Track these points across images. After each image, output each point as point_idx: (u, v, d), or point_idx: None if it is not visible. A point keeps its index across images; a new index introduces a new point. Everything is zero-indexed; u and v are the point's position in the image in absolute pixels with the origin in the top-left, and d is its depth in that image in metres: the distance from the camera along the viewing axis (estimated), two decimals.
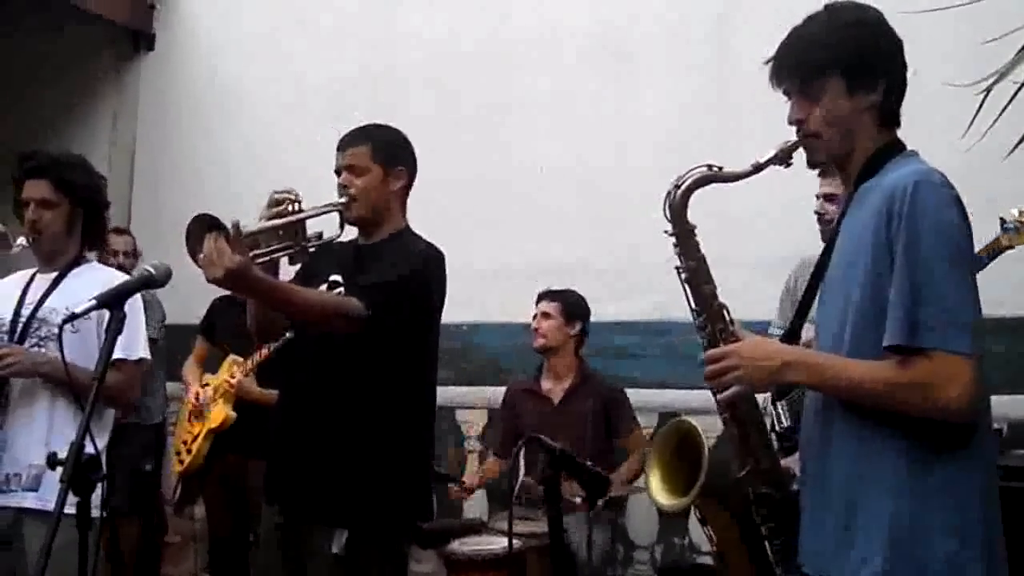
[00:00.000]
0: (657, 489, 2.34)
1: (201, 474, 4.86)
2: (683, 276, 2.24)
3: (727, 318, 2.20)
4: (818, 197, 3.65)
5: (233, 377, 4.69)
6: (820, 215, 3.64)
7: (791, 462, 2.30)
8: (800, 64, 2.10)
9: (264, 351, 4.54)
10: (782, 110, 2.20)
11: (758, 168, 2.16)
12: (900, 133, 2.13)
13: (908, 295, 1.87)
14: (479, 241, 5.48)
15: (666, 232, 2.24)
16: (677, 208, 2.22)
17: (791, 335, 2.24)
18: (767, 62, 2.16)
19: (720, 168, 2.20)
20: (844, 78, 2.06)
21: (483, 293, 5.41)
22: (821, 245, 2.32)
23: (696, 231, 2.24)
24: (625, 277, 5.13)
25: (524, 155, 5.63)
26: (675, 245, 2.24)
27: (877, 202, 1.97)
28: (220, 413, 4.70)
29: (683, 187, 2.22)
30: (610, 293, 5.07)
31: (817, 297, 2.19)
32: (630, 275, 5.10)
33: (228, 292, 4.56)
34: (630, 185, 5.09)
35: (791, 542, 2.13)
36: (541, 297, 4.74)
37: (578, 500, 3.94)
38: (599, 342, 4.95)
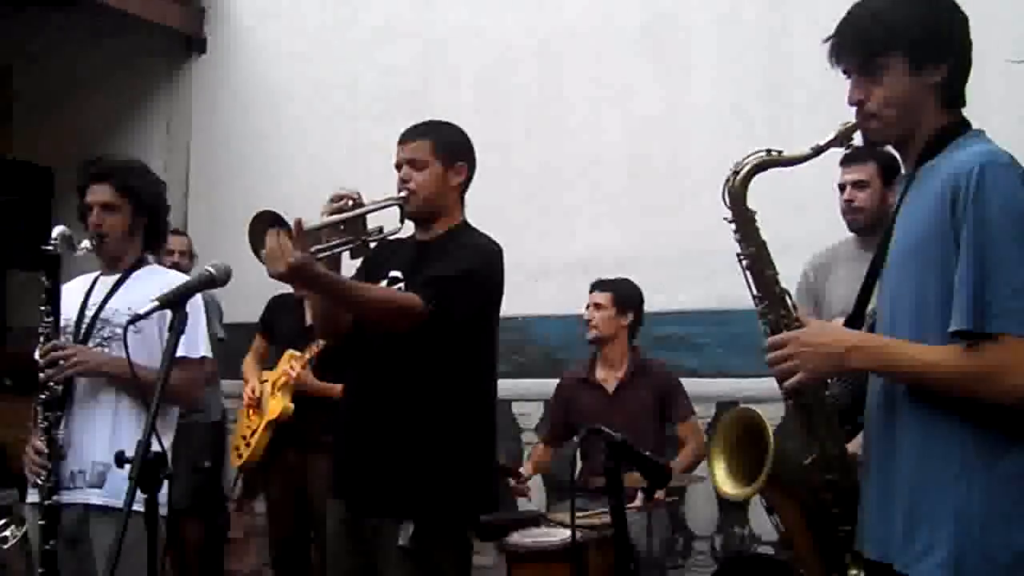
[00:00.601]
0: (723, 479, 2.31)
1: (262, 469, 4.90)
2: (744, 262, 2.19)
3: (790, 304, 2.16)
4: (842, 187, 3.60)
5: (292, 370, 4.73)
6: (849, 202, 3.59)
7: (854, 446, 2.27)
8: (862, 41, 2.03)
9: (322, 342, 4.55)
10: (837, 95, 2.16)
11: (818, 151, 2.12)
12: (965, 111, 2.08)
13: (975, 279, 1.83)
14: (534, 233, 5.48)
15: (726, 219, 2.20)
16: (737, 194, 2.18)
17: (856, 319, 2.18)
18: (827, 40, 2.10)
19: (780, 152, 2.16)
20: (908, 56, 2.00)
21: (538, 285, 5.41)
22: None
23: (757, 216, 2.20)
24: (682, 266, 5.09)
25: (577, 146, 5.62)
26: (735, 231, 2.20)
27: (940, 185, 1.92)
28: (278, 405, 4.72)
29: (742, 173, 2.17)
30: (667, 282, 5.04)
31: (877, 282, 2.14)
32: (687, 264, 5.06)
33: (286, 289, 4.66)
34: (686, 173, 5.06)
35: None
36: (593, 287, 4.73)
37: (638, 499, 3.94)
38: (656, 331, 4.93)
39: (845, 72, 2.08)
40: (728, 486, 2.28)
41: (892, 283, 2.05)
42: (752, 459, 2.20)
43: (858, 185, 3.57)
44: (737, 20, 5.33)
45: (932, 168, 2.01)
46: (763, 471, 2.14)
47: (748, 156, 2.19)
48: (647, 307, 4.76)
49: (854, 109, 2.09)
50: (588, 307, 4.70)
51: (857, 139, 2.13)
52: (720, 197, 2.21)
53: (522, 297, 5.27)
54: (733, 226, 2.21)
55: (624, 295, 4.68)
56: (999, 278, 1.82)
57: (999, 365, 1.82)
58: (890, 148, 2.19)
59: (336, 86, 6.48)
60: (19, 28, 7.55)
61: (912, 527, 1.91)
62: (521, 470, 4.76)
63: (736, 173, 2.19)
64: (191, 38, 7.07)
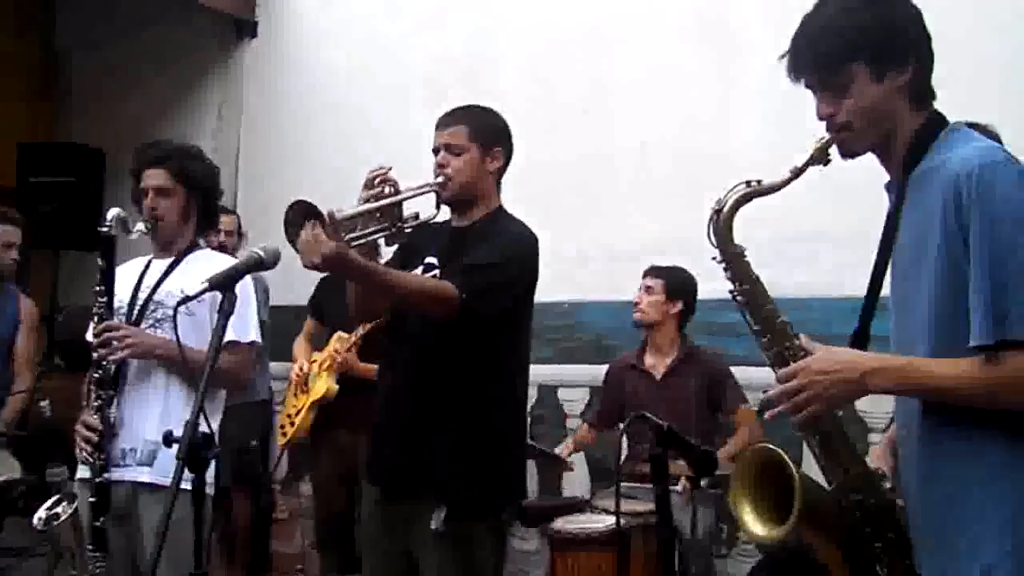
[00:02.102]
0: (751, 521, 2.19)
1: (311, 449, 4.95)
2: (739, 300, 2.13)
3: (791, 334, 2.09)
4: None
5: (338, 353, 4.76)
6: None
7: (874, 459, 2.22)
8: (818, 57, 1.98)
9: (368, 325, 4.58)
10: None
11: (797, 173, 2.05)
12: (984, 100, 2.01)
13: (990, 289, 1.78)
14: (582, 220, 5.46)
15: (714, 259, 2.15)
16: (722, 232, 2.12)
17: (862, 335, 2.09)
18: (780, 58, 2.05)
19: (759, 182, 2.09)
20: (870, 64, 1.94)
21: (586, 271, 5.39)
22: None
23: (746, 253, 2.14)
24: None
25: (626, 133, 5.58)
26: (725, 270, 2.14)
27: (940, 190, 1.86)
28: (323, 385, 4.76)
29: (725, 209, 2.11)
30: (713, 270, 4.97)
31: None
32: None
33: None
34: (735, 161, 4.99)
35: (896, 541, 2.05)
36: (647, 272, 4.72)
37: (680, 487, 3.91)
38: (704, 318, 4.90)
39: (807, 86, 2.03)
40: (758, 528, 2.17)
41: (900, 294, 2.00)
42: (777, 496, 2.12)
43: None
44: (788, 7, 5.25)
45: (924, 174, 1.96)
46: (794, 508, 2.05)
47: (729, 191, 2.12)
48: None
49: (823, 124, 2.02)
50: (639, 290, 4.69)
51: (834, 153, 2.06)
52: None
53: (570, 283, 5.28)
54: (723, 265, 2.15)
55: (676, 282, 4.66)
56: (1015, 283, 1.77)
57: (1021, 373, 1.78)
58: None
59: (385, 71, 6.50)
60: (76, 14, 7.67)
61: (968, 550, 1.86)
62: (557, 450, 4.75)
63: (719, 211, 2.12)
64: (243, 22, 7.14)
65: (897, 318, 2.02)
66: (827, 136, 2.03)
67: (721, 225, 2.13)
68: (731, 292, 2.15)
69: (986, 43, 4.28)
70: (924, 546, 1.99)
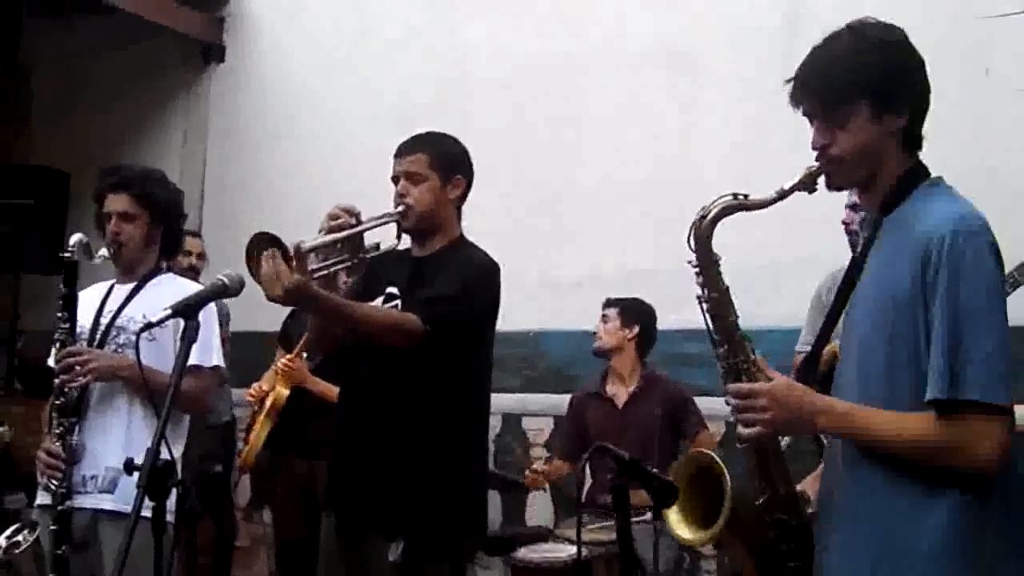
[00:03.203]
0: (676, 521, 2.31)
1: (268, 475, 4.90)
2: (705, 307, 2.20)
3: (749, 349, 2.16)
4: (847, 208, 3.61)
5: (287, 360, 4.62)
6: (847, 224, 3.61)
7: (803, 486, 2.32)
8: (824, 88, 2.05)
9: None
10: None
11: (783, 195, 2.11)
12: (972, 133, 2.09)
13: (949, 349, 1.85)
14: (545, 249, 5.49)
15: (689, 262, 2.20)
16: (703, 239, 2.18)
17: (812, 360, 2.21)
18: (787, 82, 2.11)
19: (746, 196, 2.15)
20: (871, 103, 2.01)
21: (549, 300, 5.42)
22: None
23: (720, 263, 2.20)
24: (695, 283, 5.07)
25: (592, 162, 5.63)
26: (698, 275, 2.20)
27: (911, 247, 1.94)
28: (273, 393, 4.64)
29: (709, 217, 2.17)
30: (679, 300, 4.98)
31: (841, 321, 2.16)
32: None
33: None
34: (701, 190, 5.01)
35: (806, 566, 2.13)
36: (605, 304, 4.81)
37: (647, 515, 3.93)
38: (668, 349, 4.93)
39: (806, 115, 2.09)
40: (682, 530, 2.28)
41: (861, 331, 2.06)
42: (705, 503, 2.22)
43: (855, 208, 3.58)
44: (753, 38, 5.34)
45: (898, 221, 2.04)
46: (721, 516, 2.14)
47: (715, 200, 2.18)
48: (659, 325, 4.77)
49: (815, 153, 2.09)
50: (599, 320, 4.78)
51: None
52: (723, 219, 2.19)
53: (533, 312, 5.29)
54: (696, 270, 2.20)
55: (630, 309, 4.75)
56: (971, 349, 1.85)
57: (970, 436, 1.85)
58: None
59: (354, 95, 6.51)
60: (39, 32, 7.62)
61: (875, 565, 1.95)
62: (535, 466, 4.73)
63: (703, 217, 2.17)
64: (210, 46, 7.12)
65: (852, 352, 2.08)
66: (817, 165, 2.10)
67: (702, 231, 2.18)
68: (698, 297, 2.20)
69: None
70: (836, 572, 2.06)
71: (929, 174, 2.08)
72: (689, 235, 2.19)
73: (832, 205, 3.04)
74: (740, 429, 2.05)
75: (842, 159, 2.05)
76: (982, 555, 1.89)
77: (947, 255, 1.88)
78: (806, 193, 2.11)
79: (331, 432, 3.15)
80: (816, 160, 2.09)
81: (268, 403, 4.66)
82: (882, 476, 1.95)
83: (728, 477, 2.18)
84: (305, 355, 4.64)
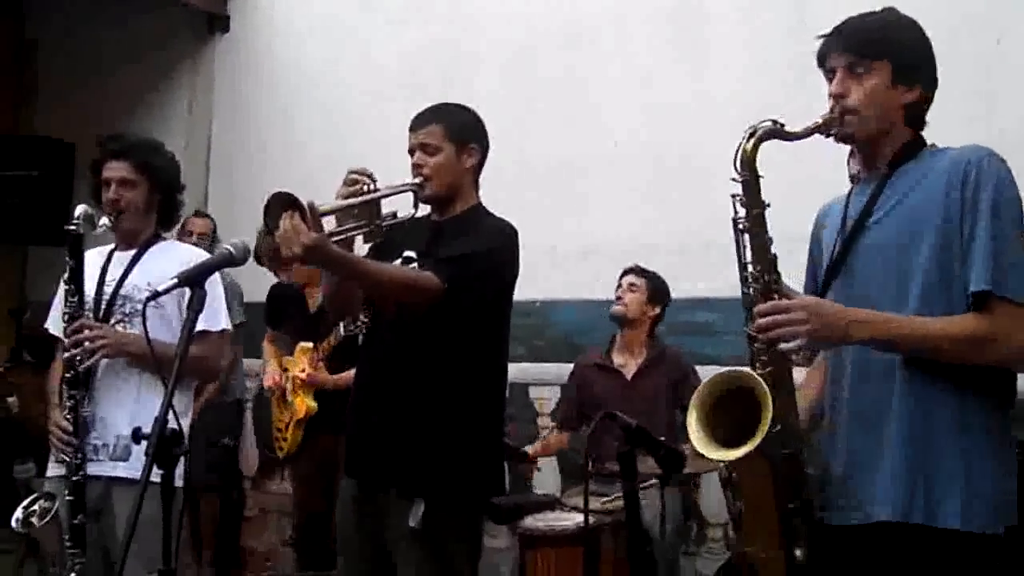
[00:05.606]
0: (699, 440, 2.22)
1: (295, 454, 4.98)
2: (742, 224, 2.27)
3: (778, 271, 2.25)
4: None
5: (303, 371, 4.82)
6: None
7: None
8: (859, 41, 2.23)
9: (331, 340, 4.68)
10: None
11: (809, 132, 2.26)
12: (987, 97, 2.21)
13: (995, 252, 2.05)
14: (554, 217, 5.46)
15: (733, 179, 2.27)
16: (748, 156, 2.26)
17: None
18: (829, 34, 2.28)
19: (783, 125, 2.28)
20: (892, 66, 2.21)
21: (557, 270, 5.40)
22: None
23: (762, 180, 2.27)
24: (705, 254, 5.05)
25: (599, 132, 5.59)
26: (740, 192, 2.27)
27: (939, 177, 2.14)
28: (302, 405, 4.84)
29: (755, 136, 2.26)
30: (686, 269, 5.02)
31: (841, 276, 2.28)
32: (710, 252, 5.00)
33: (281, 281, 4.99)
34: (707, 160, 5.02)
35: (808, 502, 2.22)
36: (630, 271, 4.77)
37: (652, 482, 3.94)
38: (679, 318, 4.93)
39: (829, 71, 2.27)
40: (707, 449, 2.21)
41: (875, 268, 2.21)
42: (732, 423, 2.19)
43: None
44: (762, 8, 5.29)
45: (912, 170, 2.22)
46: (758, 434, 2.12)
47: (761, 122, 2.28)
48: None
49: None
50: (619, 287, 4.73)
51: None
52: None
53: (541, 282, 5.29)
54: (741, 186, 2.26)
55: (658, 288, 4.74)
56: (1011, 253, 2.07)
57: (1009, 327, 2.05)
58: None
59: (359, 67, 6.48)
60: (45, 4, 7.59)
61: (925, 484, 2.09)
62: (527, 449, 4.76)
63: (750, 136, 2.26)
64: (215, 17, 7.09)
65: (863, 295, 2.20)
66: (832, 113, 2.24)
67: (748, 153, 2.26)
68: (734, 220, 2.28)
69: None
70: (864, 492, 2.17)
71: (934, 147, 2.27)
72: (736, 154, 2.27)
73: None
74: (781, 344, 2.14)
75: (856, 110, 2.22)
76: (1007, 459, 2.13)
77: (986, 172, 2.10)
78: (823, 136, 2.26)
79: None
80: (831, 111, 2.25)
81: (299, 414, 4.86)
82: (920, 383, 2.11)
83: (766, 387, 2.16)
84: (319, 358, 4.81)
